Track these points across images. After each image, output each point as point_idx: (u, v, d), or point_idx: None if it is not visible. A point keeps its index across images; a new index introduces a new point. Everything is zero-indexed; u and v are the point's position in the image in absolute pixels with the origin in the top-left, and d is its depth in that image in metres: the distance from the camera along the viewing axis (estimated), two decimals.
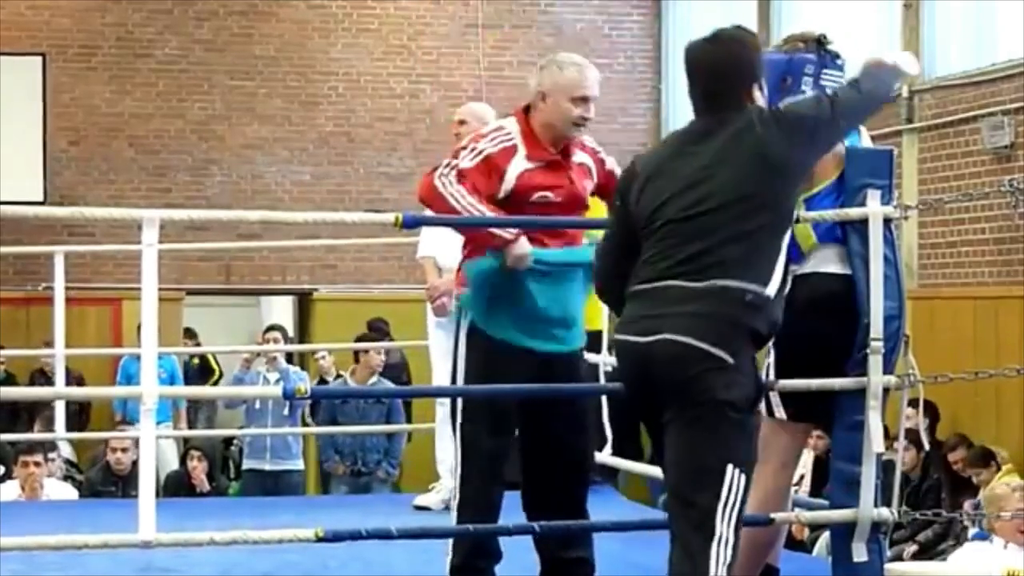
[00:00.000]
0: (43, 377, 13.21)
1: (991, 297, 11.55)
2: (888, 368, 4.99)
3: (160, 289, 5.05)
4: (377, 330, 13.35)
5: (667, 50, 15.97)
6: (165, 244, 5.43)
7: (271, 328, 13.01)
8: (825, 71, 4.94)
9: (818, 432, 8.01)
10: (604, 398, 7.46)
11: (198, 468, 11.93)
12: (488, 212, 5.11)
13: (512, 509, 5.28)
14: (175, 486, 12.01)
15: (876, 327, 4.92)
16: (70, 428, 10.02)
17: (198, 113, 15.53)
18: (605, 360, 7.31)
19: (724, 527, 4.10)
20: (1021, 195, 5.28)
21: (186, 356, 14.67)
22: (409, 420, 12.12)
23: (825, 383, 4.93)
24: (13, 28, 14.94)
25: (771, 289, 4.22)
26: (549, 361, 5.20)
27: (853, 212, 4.95)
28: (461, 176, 5.13)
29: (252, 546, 5.08)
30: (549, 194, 5.20)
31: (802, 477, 10.47)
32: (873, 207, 4.95)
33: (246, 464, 12.29)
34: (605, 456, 7.23)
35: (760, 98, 4.39)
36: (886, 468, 5.15)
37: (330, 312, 15.27)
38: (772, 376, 4.87)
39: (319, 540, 4.86)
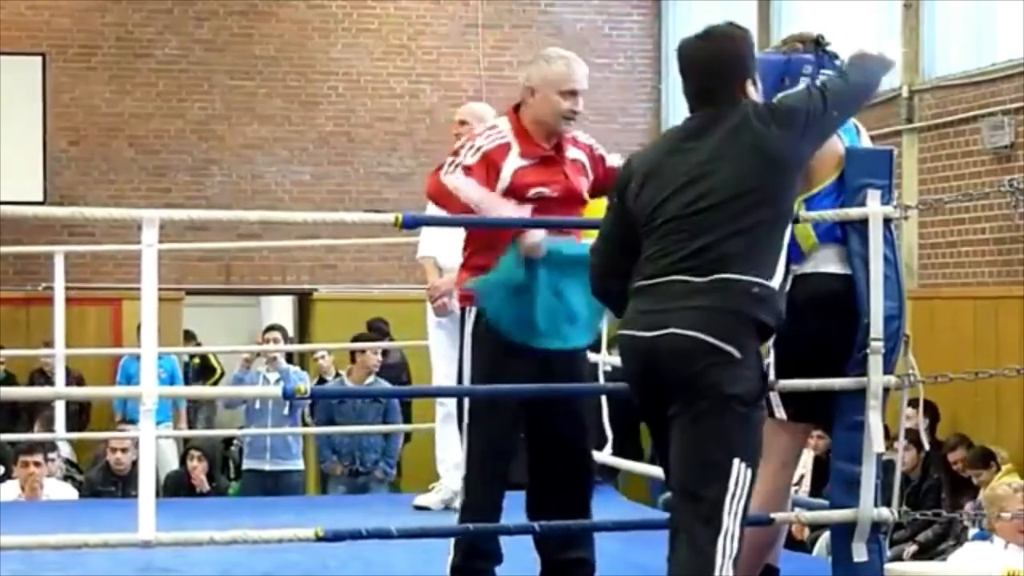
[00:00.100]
0: (43, 377, 13.20)
1: (991, 297, 11.55)
2: (888, 368, 4.99)
3: (160, 289, 5.05)
4: (377, 330, 13.36)
5: (667, 50, 15.95)
6: (165, 244, 5.43)
7: (271, 328, 13.00)
8: (823, 72, 4.93)
9: (818, 432, 8.00)
10: (604, 398, 7.45)
11: (198, 468, 11.92)
12: (501, 202, 5.10)
13: (512, 509, 5.27)
14: (175, 486, 12.01)
15: (876, 327, 4.92)
16: (70, 428, 10.02)
17: (198, 113, 15.53)
18: (605, 360, 7.30)
19: (730, 521, 4.12)
20: (1021, 195, 5.28)
21: (186, 356, 14.67)
22: (408, 420, 12.12)
23: (825, 383, 4.93)
24: (13, 28, 14.94)
25: (775, 282, 4.26)
26: (555, 359, 5.19)
27: (853, 212, 4.95)
28: (468, 171, 5.15)
29: (252, 546, 5.09)
30: (545, 190, 5.21)
31: (802, 477, 10.47)
32: (873, 207, 4.96)
33: (246, 464, 12.28)
34: (605, 456, 7.22)
35: (753, 93, 4.43)
36: (886, 468, 5.15)
37: (330, 312, 15.27)
38: (772, 376, 4.87)
39: (319, 540, 4.86)
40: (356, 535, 4.95)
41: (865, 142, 5.09)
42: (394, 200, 14.89)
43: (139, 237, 4.94)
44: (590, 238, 4.82)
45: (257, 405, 11.82)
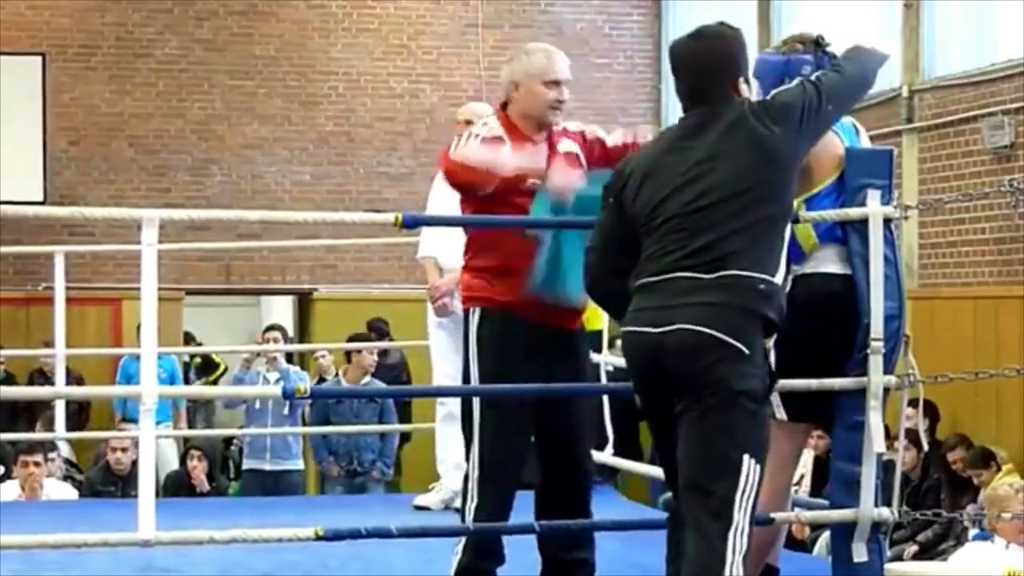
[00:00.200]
0: (43, 377, 13.20)
1: (991, 297, 11.55)
2: (888, 368, 5.00)
3: (160, 289, 5.05)
4: (377, 330, 13.35)
5: (667, 50, 15.94)
6: (165, 244, 5.43)
7: (271, 328, 12.99)
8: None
9: (818, 432, 8.00)
10: (605, 398, 7.45)
11: (198, 468, 11.92)
12: (508, 156, 5.06)
13: (518, 509, 5.26)
14: (175, 486, 12.01)
15: (876, 327, 4.92)
16: (70, 428, 10.02)
17: (198, 113, 15.52)
18: (606, 360, 7.30)
19: (741, 516, 4.12)
20: (1021, 195, 5.28)
21: (186, 356, 14.67)
22: (408, 420, 12.12)
23: (825, 383, 4.93)
24: (13, 28, 14.94)
25: (778, 278, 4.28)
26: (563, 336, 5.18)
27: (853, 212, 4.96)
28: None
29: (252, 545, 5.10)
30: (540, 181, 5.20)
31: (802, 477, 10.46)
32: (873, 207, 4.96)
33: (246, 464, 12.28)
34: (605, 456, 7.22)
35: (746, 91, 4.47)
36: (886, 468, 5.15)
37: (330, 312, 15.27)
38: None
39: (319, 539, 4.86)
40: (356, 535, 4.95)
41: (865, 142, 5.10)
42: (394, 200, 14.89)
43: (139, 237, 4.94)
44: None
45: (257, 405, 11.81)
